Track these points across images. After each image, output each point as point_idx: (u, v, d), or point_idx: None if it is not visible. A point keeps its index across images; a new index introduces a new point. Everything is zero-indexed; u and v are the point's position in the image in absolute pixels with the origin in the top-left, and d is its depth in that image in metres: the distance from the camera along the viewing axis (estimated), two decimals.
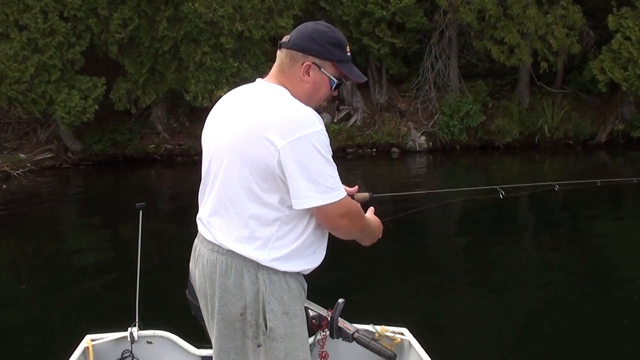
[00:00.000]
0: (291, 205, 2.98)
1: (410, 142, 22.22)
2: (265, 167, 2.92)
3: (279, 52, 3.19)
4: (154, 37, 19.55)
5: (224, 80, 19.26)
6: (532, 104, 22.47)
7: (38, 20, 18.89)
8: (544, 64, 20.36)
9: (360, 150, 22.35)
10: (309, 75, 3.12)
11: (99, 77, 20.10)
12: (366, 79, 3.44)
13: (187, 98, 19.96)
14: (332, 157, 2.96)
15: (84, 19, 19.45)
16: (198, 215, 3.31)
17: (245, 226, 3.04)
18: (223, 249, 3.09)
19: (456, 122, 21.41)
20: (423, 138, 22.23)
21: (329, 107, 22.49)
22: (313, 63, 3.11)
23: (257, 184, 2.97)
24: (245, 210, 3.03)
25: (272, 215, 3.01)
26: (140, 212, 4.80)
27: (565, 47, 20.17)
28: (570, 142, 21.81)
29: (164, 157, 22.02)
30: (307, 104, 3.05)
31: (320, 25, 3.20)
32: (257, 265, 3.02)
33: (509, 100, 22.51)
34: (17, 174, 20.20)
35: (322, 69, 3.13)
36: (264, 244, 3.01)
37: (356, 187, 3.66)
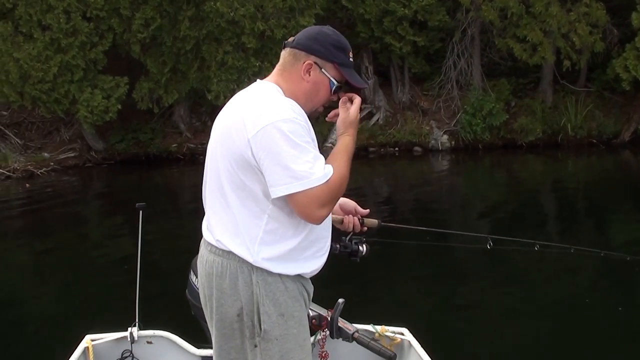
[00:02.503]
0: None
1: (433, 141, 22.15)
2: (243, 158, 2.95)
3: (282, 52, 3.23)
4: (176, 36, 19.62)
5: (245, 80, 19.24)
6: (555, 103, 22.30)
7: (61, 20, 19.00)
8: (567, 62, 20.19)
9: (382, 149, 22.27)
10: (309, 75, 3.14)
11: (121, 76, 20.24)
12: (367, 85, 3.44)
13: (209, 97, 20.00)
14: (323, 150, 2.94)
15: (106, 18, 19.56)
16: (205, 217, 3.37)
17: (235, 219, 3.05)
18: (219, 249, 3.12)
19: (479, 121, 21.30)
20: (445, 137, 22.15)
21: None
22: (315, 63, 3.14)
23: (239, 177, 3.00)
24: (234, 204, 3.05)
25: (259, 209, 3.01)
26: (140, 212, 4.83)
27: (589, 45, 20.00)
28: (594, 141, 21.64)
29: (186, 156, 22.07)
30: (305, 105, 3.07)
31: (326, 28, 3.24)
32: (251, 267, 3.03)
33: (532, 98, 22.37)
34: (40, 172, 20.38)
35: (322, 69, 3.15)
36: (253, 238, 3.02)
37: (367, 210, 3.62)
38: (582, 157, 21.00)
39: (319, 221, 3.02)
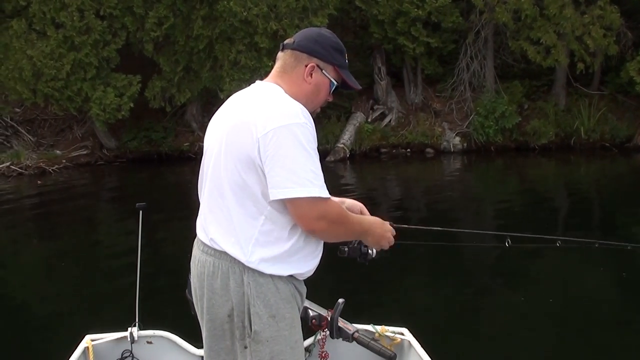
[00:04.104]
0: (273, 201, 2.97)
1: (445, 143, 22.11)
2: (248, 157, 2.94)
3: (280, 53, 3.25)
4: (189, 35, 19.66)
5: (258, 79, 19.22)
6: (568, 106, 22.20)
7: (74, 18, 19.06)
8: (580, 65, 20.11)
9: (394, 150, 22.26)
10: (311, 77, 3.17)
11: (134, 74, 20.28)
12: (360, 87, 3.45)
13: (222, 97, 19.95)
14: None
15: (119, 17, 19.62)
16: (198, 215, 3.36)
17: (231, 219, 3.05)
18: (212, 249, 3.12)
19: (491, 123, 21.25)
20: (458, 139, 22.10)
21: (363, 107, 22.46)
22: (317, 65, 3.16)
23: (241, 176, 2.98)
24: (231, 203, 3.04)
25: (256, 210, 3.00)
26: (140, 212, 4.82)
27: (602, 48, 19.91)
28: (607, 144, 21.51)
29: (198, 155, 21.87)
30: (305, 106, 3.06)
31: (324, 30, 3.28)
32: (242, 267, 3.02)
33: (545, 101, 22.28)
34: (52, 170, 20.47)
35: (323, 71, 3.18)
36: (248, 239, 3.01)
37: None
38: (594, 161, 20.90)
39: (314, 232, 3.03)
